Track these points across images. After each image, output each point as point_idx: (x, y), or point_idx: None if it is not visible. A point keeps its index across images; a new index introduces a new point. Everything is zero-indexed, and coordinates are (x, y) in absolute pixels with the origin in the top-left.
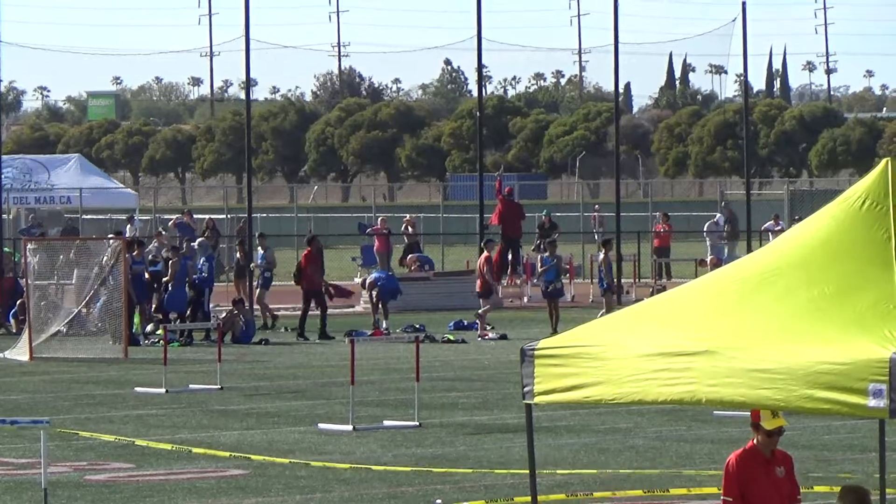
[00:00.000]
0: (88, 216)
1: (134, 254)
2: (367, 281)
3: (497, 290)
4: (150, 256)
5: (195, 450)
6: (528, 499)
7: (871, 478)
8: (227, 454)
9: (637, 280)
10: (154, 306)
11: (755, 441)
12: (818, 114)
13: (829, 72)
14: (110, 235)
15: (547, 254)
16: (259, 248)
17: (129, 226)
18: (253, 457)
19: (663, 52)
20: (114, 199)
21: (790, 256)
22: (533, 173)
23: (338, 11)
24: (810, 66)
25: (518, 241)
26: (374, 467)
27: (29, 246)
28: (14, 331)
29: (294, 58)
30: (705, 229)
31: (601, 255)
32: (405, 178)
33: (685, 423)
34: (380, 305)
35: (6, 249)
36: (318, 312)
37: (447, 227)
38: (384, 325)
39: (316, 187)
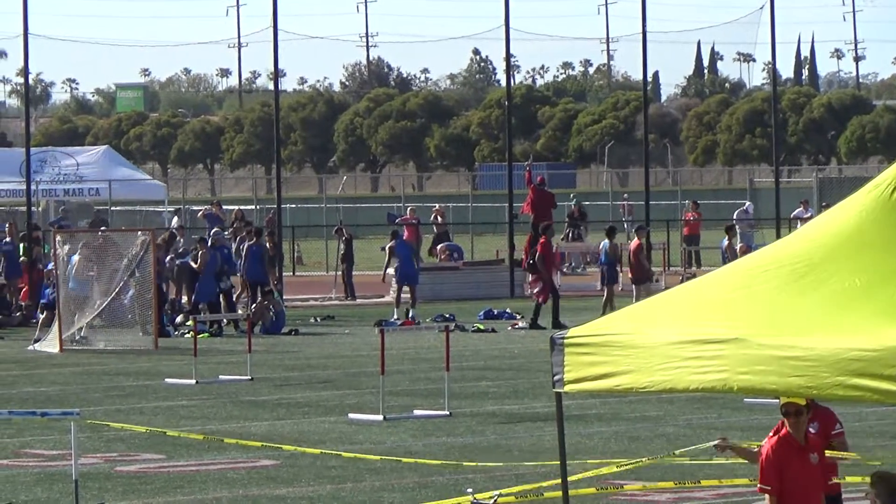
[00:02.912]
0: (117, 208)
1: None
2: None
3: (653, 276)
4: (179, 249)
5: (226, 440)
6: (559, 490)
7: None
8: (259, 444)
9: (666, 268)
10: (186, 298)
11: (787, 428)
12: (847, 101)
13: (857, 59)
14: (170, 227)
15: (606, 240)
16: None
17: (175, 217)
18: (284, 447)
19: (691, 40)
20: (142, 191)
21: (820, 245)
22: (562, 162)
23: (366, 2)
24: (838, 54)
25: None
26: (403, 459)
27: (58, 238)
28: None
29: (322, 48)
30: (735, 217)
31: (634, 242)
32: (434, 167)
33: (716, 410)
34: (402, 293)
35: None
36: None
37: (476, 217)
38: (411, 314)
39: (345, 178)
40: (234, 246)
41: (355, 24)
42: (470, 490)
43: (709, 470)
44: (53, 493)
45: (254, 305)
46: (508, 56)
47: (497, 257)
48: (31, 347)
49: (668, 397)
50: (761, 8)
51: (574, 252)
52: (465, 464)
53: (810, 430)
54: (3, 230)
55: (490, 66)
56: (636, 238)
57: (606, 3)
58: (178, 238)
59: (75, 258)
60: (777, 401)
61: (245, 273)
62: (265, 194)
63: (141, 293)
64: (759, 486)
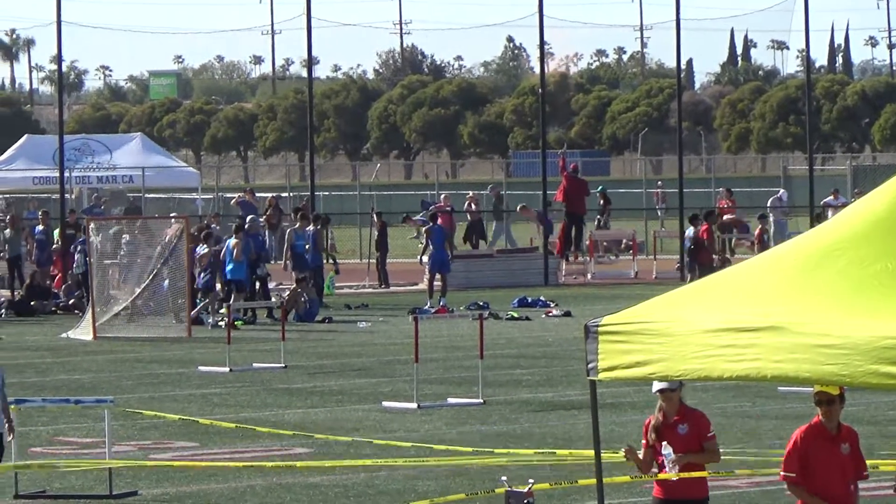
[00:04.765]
0: (151, 195)
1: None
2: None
3: (713, 262)
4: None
5: (259, 428)
6: (593, 478)
7: None
8: (291, 433)
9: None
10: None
11: (820, 417)
12: (881, 88)
13: (891, 47)
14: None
15: (691, 227)
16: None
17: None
18: (316, 436)
19: (725, 27)
20: (176, 178)
21: (854, 231)
22: (595, 150)
23: None
24: (872, 42)
25: (582, 217)
26: (436, 446)
27: (92, 225)
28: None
29: (356, 35)
30: (768, 205)
31: (703, 227)
32: (468, 155)
33: (750, 399)
34: (436, 280)
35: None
36: None
37: (510, 204)
38: (442, 301)
39: (379, 165)
40: (266, 233)
41: (389, 11)
42: (504, 478)
43: (742, 457)
44: (87, 480)
45: (286, 293)
46: (542, 43)
47: (531, 245)
48: (65, 335)
49: (702, 385)
50: None
51: (606, 240)
52: (497, 451)
53: (680, 431)
54: (36, 218)
55: (524, 54)
56: (704, 223)
57: None
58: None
59: (232, 241)
60: (811, 389)
61: (308, 260)
62: (298, 181)
63: (174, 281)
64: (782, 473)
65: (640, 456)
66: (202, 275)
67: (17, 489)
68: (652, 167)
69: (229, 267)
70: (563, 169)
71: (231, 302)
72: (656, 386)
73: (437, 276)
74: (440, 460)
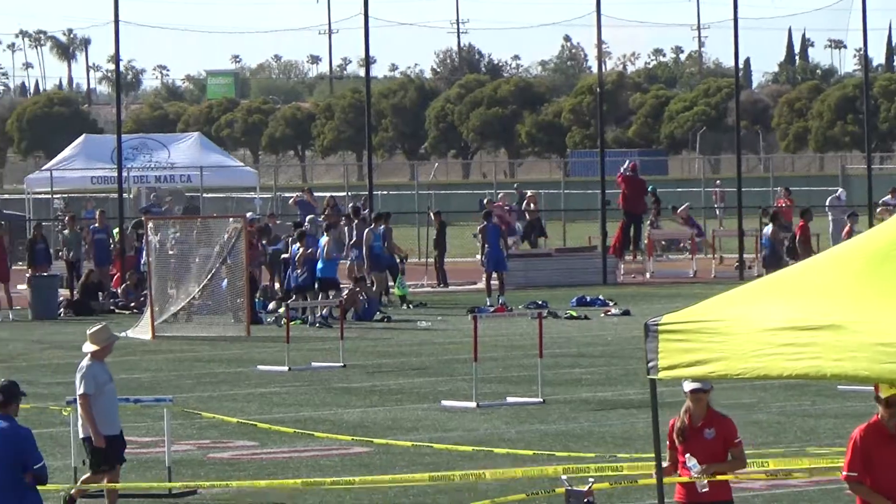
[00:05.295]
0: (209, 195)
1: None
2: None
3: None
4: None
5: (318, 434)
6: (653, 477)
7: None
8: (349, 438)
9: (759, 255)
10: (278, 284)
11: (879, 415)
12: None
13: None
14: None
15: (770, 225)
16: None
17: (258, 206)
18: (375, 440)
19: (782, 27)
20: (234, 178)
21: None
22: (653, 149)
23: None
24: None
25: (640, 216)
26: (495, 449)
27: (150, 224)
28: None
29: (413, 35)
30: (827, 204)
31: (799, 224)
32: (525, 154)
33: (809, 397)
34: (493, 279)
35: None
36: None
37: (568, 204)
38: (501, 300)
39: (436, 164)
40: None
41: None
42: (564, 477)
43: (802, 456)
44: (147, 479)
45: (345, 293)
46: (600, 42)
47: (589, 244)
48: (123, 334)
49: (761, 384)
50: None
51: (664, 238)
52: (557, 454)
53: (706, 436)
54: (93, 217)
55: (581, 53)
56: (801, 220)
57: None
58: (270, 226)
59: (324, 239)
60: (871, 388)
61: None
62: (356, 181)
63: (232, 280)
64: (844, 473)
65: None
66: (297, 273)
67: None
68: (710, 166)
69: (320, 265)
70: (621, 176)
71: (320, 300)
72: (688, 385)
73: (494, 274)
74: (501, 460)
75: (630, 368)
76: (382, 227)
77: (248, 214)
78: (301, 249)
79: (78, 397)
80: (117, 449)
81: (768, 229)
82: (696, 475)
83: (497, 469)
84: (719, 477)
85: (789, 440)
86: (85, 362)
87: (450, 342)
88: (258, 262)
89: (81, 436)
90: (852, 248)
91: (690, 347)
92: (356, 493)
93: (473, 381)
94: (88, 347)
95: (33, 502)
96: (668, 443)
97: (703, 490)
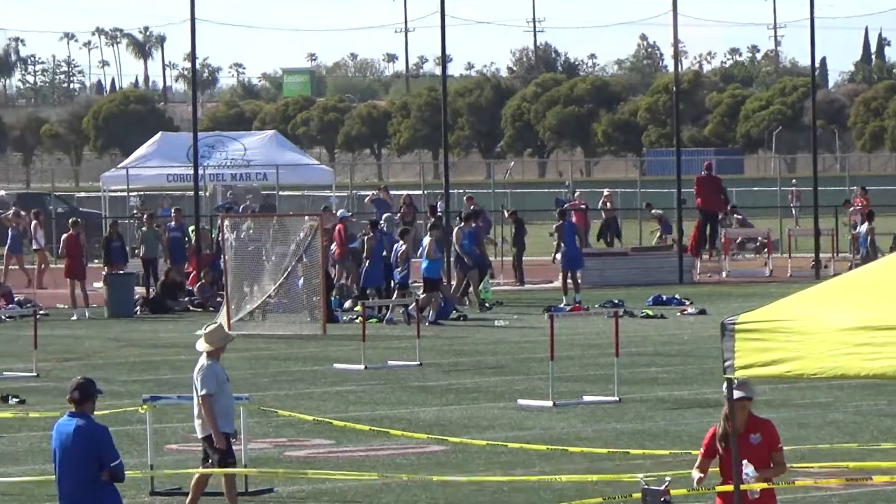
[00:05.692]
0: (285, 193)
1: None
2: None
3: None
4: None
5: (392, 431)
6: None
7: None
8: (425, 436)
9: (835, 254)
10: (353, 282)
11: None
12: None
13: None
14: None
15: (865, 224)
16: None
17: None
18: (450, 439)
19: (858, 26)
20: (310, 176)
21: None
22: (729, 148)
23: None
24: None
25: (717, 215)
26: (570, 448)
27: (226, 223)
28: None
29: (490, 33)
30: None
31: (865, 226)
32: (601, 153)
33: (886, 397)
34: (569, 278)
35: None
36: None
37: (644, 202)
38: (577, 298)
39: (512, 163)
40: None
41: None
42: (641, 476)
43: (878, 455)
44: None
45: (421, 292)
46: (676, 41)
47: (665, 243)
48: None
49: (838, 384)
50: None
51: (741, 238)
52: (632, 451)
53: (752, 441)
54: (169, 216)
55: (657, 52)
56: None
57: None
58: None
59: (426, 239)
60: None
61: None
62: (432, 179)
63: (309, 278)
64: None
65: (696, 466)
66: (398, 270)
67: (153, 486)
68: (786, 165)
69: (423, 264)
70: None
71: (421, 298)
72: (737, 393)
73: (570, 273)
74: (577, 459)
75: (706, 367)
76: (473, 225)
77: (340, 212)
78: (403, 246)
79: (200, 398)
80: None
81: (864, 227)
82: (752, 481)
83: (573, 475)
84: (762, 485)
85: (865, 439)
86: (203, 361)
87: (526, 341)
88: (346, 259)
89: (200, 435)
90: None
91: (767, 347)
92: (432, 491)
93: (550, 379)
94: (203, 347)
95: (111, 500)
96: (702, 451)
97: (754, 497)
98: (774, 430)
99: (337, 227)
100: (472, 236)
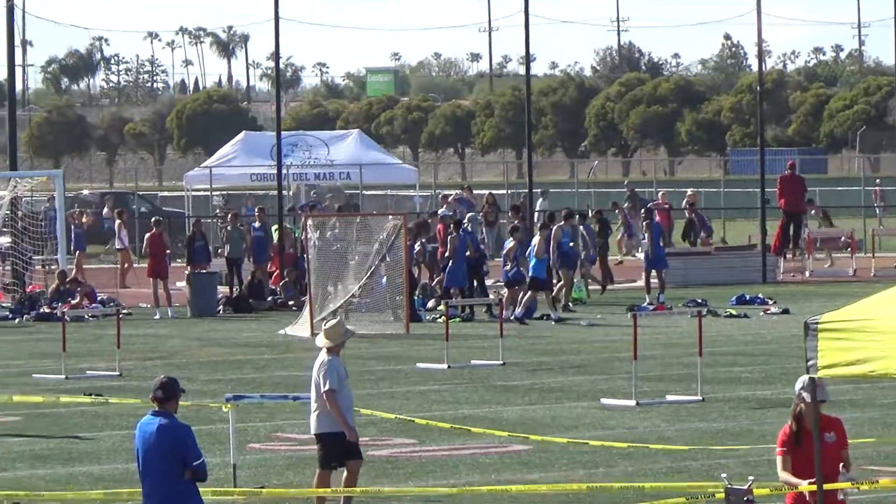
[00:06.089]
0: (368, 192)
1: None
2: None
3: None
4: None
5: (474, 429)
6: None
7: None
8: (506, 434)
9: None
10: (436, 281)
11: None
12: None
13: None
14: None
15: None
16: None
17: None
18: (532, 437)
19: None
20: (393, 175)
21: None
22: (813, 148)
23: None
24: None
25: (800, 215)
26: (651, 446)
27: (310, 222)
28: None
29: (573, 32)
30: None
31: None
32: (685, 152)
33: None
34: (652, 277)
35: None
36: None
37: (728, 202)
38: (661, 298)
39: (596, 162)
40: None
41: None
42: (724, 475)
43: None
44: (305, 476)
45: (504, 290)
46: (760, 41)
47: (749, 242)
48: (282, 331)
49: None
50: None
51: (824, 237)
52: (714, 448)
53: (827, 439)
54: (252, 215)
55: (741, 51)
56: None
57: None
58: (430, 223)
59: (535, 239)
60: None
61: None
62: (516, 178)
63: (392, 278)
64: None
65: (784, 468)
66: (509, 268)
67: (235, 484)
68: (870, 165)
69: (532, 263)
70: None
71: (527, 297)
72: (821, 395)
73: (654, 272)
74: (660, 458)
75: (789, 367)
76: (572, 224)
77: (440, 210)
78: (512, 244)
79: (324, 393)
80: (342, 444)
81: None
82: (843, 479)
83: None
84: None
85: None
86: (325, 357)
87: (609, 340)
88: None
89: (316, 431)
90: None
91: (850, 346)
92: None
93: (633, 379)
94: (323, 343)
95: (193, 499)
96: (781, 449)
97: (842, 498)
98: (843, 427)
99: (438, 227)
100: (570, 236)
